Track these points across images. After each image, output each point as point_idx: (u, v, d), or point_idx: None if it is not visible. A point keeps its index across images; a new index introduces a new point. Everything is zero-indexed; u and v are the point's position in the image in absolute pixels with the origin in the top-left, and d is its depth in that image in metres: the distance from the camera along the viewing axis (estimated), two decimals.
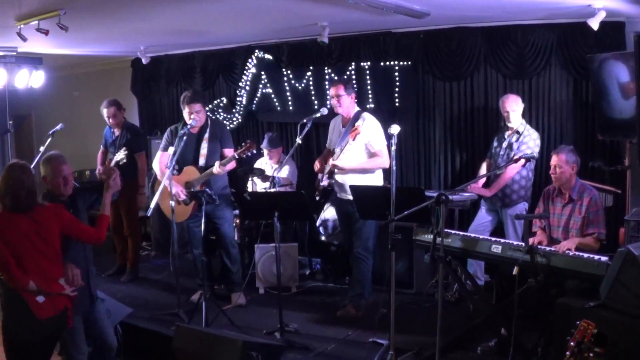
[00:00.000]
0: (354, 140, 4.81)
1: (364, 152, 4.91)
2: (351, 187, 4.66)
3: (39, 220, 3.34)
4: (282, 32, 6.39)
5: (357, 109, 5.04)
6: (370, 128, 4.87)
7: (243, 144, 4.98)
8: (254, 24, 5.86)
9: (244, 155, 5.00)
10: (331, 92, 5.01)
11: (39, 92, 7.47)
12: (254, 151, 5.02)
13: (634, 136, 4.61)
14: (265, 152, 6.29)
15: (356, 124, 4.82)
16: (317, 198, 5.29)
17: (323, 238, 5.98)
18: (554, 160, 4.26)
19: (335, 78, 5.88)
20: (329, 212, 5.77)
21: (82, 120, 8.38)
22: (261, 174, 6.06)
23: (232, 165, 5.14)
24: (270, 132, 6.50)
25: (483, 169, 5.40)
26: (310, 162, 6.57)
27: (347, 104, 4.95)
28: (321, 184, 5.07)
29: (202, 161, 5.14)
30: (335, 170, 4.96)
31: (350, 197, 4.82)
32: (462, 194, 5.26)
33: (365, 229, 4.92)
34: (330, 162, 4.92)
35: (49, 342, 3.41)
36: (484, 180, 5.25)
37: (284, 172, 6.10)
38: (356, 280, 5.06)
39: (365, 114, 5.00)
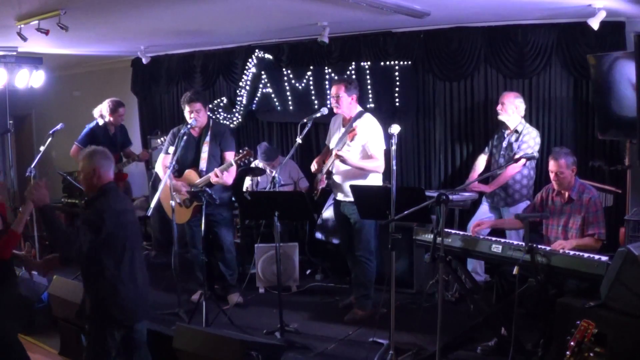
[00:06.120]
0: (351, 141, 4.66)
1: (359, 154, 4.78)
2: (351, 186, 4.61)
3: None
4: (283, 32, 6.39)
5: (358, 109, 4.90)
6: (369, 130, 4.73)
7: (241, 151, 4.95)
8: (254, 24, 5.85)
9: (241, 163, 4.98)
10: (332, 91, 4.91)
11: (39, 91, 7.47)
12: (252, 158, 5.00)
13: (634, 136, 4.61)
14: (262, 164, 6.14)
15: (354, 125, 4.67)
16: (315, 198, 5.28)
17: (322, 238, 5.97)
18: (553, 166, 4.17)
19: (337, 77, 5.80)
20: (329, 212, 5.77)
21: (82, 120, 8.33)
22: (261, 173, 6.04)
23: (232, 172, 5.07)
24: (262, 144, 6.32)
25: (479, 164, 5.39)
26: (310, 161, 6.56)
27: (345, 105, 4.80)
28: (319, 186, 5.00)
29: (202, 165, 5.11)
30: (333, 171, 4.88)
31: (347, 199, 4.80)
32: (463, 193, 5.26)
33: (365, 230, 4.84)
34: (335, 151, 4.71)
35: None
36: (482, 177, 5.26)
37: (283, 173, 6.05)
38: (360, 283, 4.98)
39: (367, 115, 4.86)
